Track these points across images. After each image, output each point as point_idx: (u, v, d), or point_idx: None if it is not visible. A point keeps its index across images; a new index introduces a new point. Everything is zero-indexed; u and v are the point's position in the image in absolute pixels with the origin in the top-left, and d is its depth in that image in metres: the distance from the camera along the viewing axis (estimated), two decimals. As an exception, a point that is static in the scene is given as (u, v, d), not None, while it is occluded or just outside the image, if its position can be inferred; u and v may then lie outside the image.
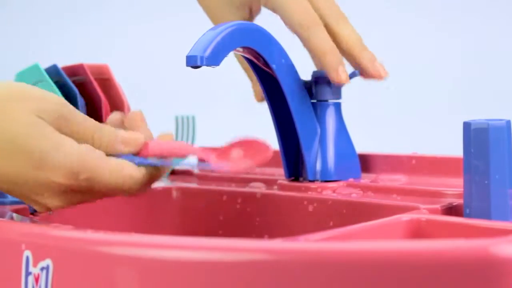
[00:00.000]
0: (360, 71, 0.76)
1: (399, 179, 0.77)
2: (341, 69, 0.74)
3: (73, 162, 0.59)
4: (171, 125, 0.94)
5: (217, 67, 0.67)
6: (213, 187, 0.82)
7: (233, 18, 0.80)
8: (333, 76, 0.74)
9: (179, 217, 0.83)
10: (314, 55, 0.75)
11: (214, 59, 0.66)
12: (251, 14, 0.81)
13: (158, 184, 0.85)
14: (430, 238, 0.59)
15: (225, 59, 0.68)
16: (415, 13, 1.70)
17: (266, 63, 0.73)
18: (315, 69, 0.79)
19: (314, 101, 0.78)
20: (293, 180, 0.78)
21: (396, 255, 0.46)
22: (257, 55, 0.73)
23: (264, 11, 0.80)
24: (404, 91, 1.64)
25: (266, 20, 0.79)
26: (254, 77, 0.78)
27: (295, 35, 0.75)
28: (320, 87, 0.78)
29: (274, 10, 0.77)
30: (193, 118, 0.93)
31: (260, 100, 0.83)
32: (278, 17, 0.76)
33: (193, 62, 0.66)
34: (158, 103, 0.98)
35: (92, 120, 0.62)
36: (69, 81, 0.77)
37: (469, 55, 1.67)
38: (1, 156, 0.58)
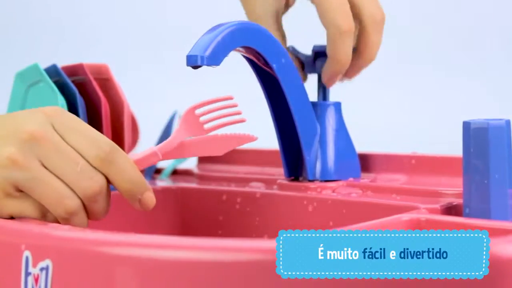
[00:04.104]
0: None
1: (398, 179, 0.77)
2: (336, 79, 0.77)
3: None
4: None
5: (218, 67, 0.67)
6: (213, 187, 0.83)
7: (266, 7, 0.78)
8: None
9: (179, 217, 0.83)
10: (329, 56, 0.76)
11: (215, 58, 0.66)
12: (287, 5, 0.80)
13: (158, 184, 0.85)
14: (430, 238, 0.59)
15: (226, 58, 0.68)
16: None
17: (266, 63, 0.73)
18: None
19: (314, 100, 0.78)
20: (292, 180, 0.78)
21: (395, 255, 0.46)
22: (257, 55, 0.73)
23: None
24: (404, 91, 1.64)
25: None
26: None
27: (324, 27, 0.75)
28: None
29: (313, 1, 0.75)
30: None
31: None
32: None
33: (193, 62, 0.66)
34: (159, 102, 0.98)
35: None
36: (69, 81, 0.77)
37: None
38: None
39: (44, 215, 0.61)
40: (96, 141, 0.61)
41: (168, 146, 0.65)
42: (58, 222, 0.61)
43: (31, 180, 0.59)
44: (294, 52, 0.80)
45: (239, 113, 0.65)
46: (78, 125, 0.61)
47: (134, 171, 0.62)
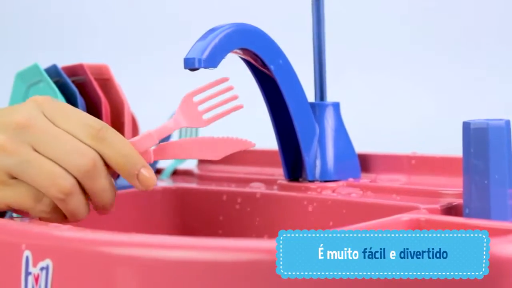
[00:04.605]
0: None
1: (398, 179, 0.77)
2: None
3: None
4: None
5: (215, 69, 0.67)
6: (213, 187, 0.83)
7: None
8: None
9: (179, 217, 0.83)
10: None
11: (212, 61, 0.67)
12: None
13: (158, 184, 0.85)
14: (430, 238, 0.59)
15: (223, 60, 0.68)
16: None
17: (263, 64, 0.73)
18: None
19: (313, 101, 0.78)
20: (292, 180, 0.78)
21: (395, 255, 0.46)
22: (255, 56, 0.73)
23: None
24: (403, 91, 1.64)
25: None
26: None
27: None
28: None
29: None
30: None
31: None
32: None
33: (191, 65, 0.66)
34: (159, 102, 0.99)
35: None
36: (69, 81, 0.77)
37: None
38: None
39: (40, 200, 0.60)
40: (87, 122, 0.61)
41: (164, 130, 0.64)
42: (55, 207, 0.60)
43: (21, 164, 0.59)
44: None
45: (235, 98, 0.65)
46: (69, 110, 0.62)
47: (128, 146, 0.61)
